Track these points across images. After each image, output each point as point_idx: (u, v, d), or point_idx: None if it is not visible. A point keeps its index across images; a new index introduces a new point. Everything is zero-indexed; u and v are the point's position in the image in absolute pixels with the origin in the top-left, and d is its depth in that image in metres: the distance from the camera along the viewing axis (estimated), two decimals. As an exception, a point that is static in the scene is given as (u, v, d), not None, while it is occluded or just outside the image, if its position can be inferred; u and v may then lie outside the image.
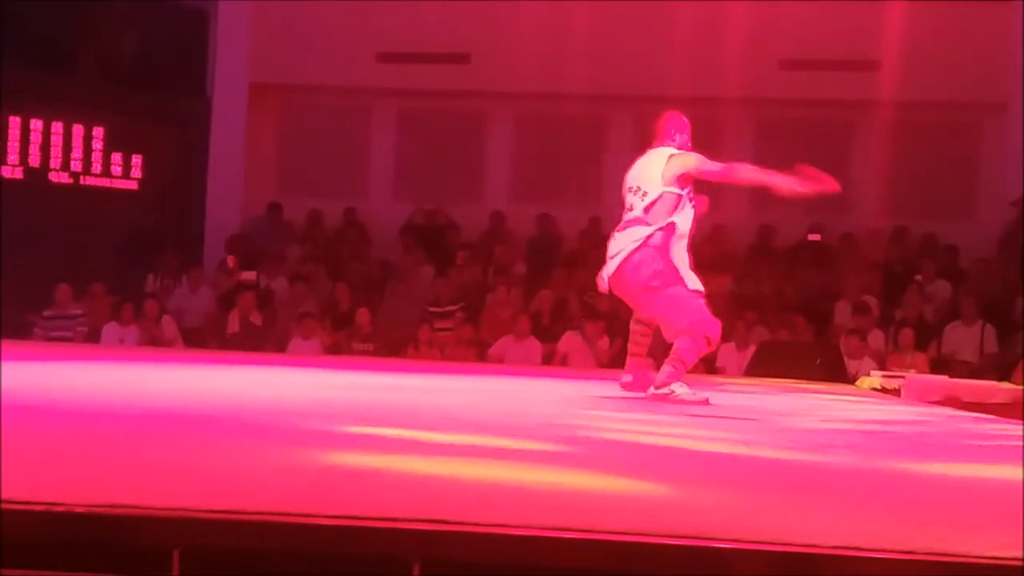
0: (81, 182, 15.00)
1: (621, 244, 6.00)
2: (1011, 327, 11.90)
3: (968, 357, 11.57)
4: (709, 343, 5.97)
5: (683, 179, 5.99)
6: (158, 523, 1.80)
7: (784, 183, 6.10)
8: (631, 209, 6.03)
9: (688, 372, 6.04)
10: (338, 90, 15.51)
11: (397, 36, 15.20)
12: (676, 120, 6.28)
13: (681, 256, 6.03)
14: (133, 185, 15.35)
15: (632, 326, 6.36)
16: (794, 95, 14.57)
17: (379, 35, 15.24)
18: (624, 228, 6.02)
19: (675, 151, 6.08)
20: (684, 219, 6.02)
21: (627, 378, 6.21)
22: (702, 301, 6.02)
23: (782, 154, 15.86)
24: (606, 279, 6.09)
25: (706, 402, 5.75)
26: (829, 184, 6.20)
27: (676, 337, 5.89)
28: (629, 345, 6.32)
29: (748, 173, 6.23)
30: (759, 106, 14.81)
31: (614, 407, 5.28)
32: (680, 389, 5.80)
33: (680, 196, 5.97)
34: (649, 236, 5.89)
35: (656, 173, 6.02)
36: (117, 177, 15.23)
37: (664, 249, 5.93)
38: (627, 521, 1.92)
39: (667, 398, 5.74)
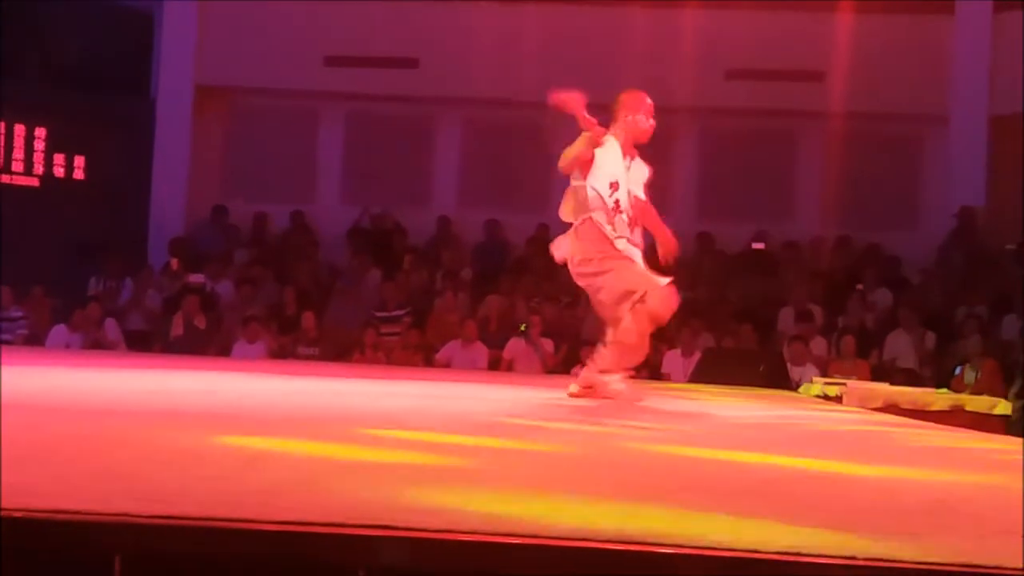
0: (22, 183, 14.81)
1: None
2: (951, 335, 12.09)
3: (909, 364, 11.73)
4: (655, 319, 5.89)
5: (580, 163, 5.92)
6: (99, 528, 1.78)
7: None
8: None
9: (630, 378, 6.06)
10: (285, 93, 15.43)
11: (345, 40, 15.16)
12: (629, 99, 6.15)
13: (622, 230, 5.96)
14: (75, 186, 15.17)
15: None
16: (740, 104, 14.71)
17: (327, 38, 15.19)
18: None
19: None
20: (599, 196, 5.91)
21: (574, 388, 6.16)
22: (640, 268, 5.94)
23: (727, 163, 16.07)
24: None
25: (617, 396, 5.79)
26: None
27: (611, 317, 5.88)
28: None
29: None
30: (705, 115, 14.93)
31: (558, 412, 5.29)
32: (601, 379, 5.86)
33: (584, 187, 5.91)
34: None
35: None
36: (59, 179, 15.05)
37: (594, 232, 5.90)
38: (573, 526, 1.93)
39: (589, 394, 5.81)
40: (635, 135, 6.10)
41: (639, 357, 6.08)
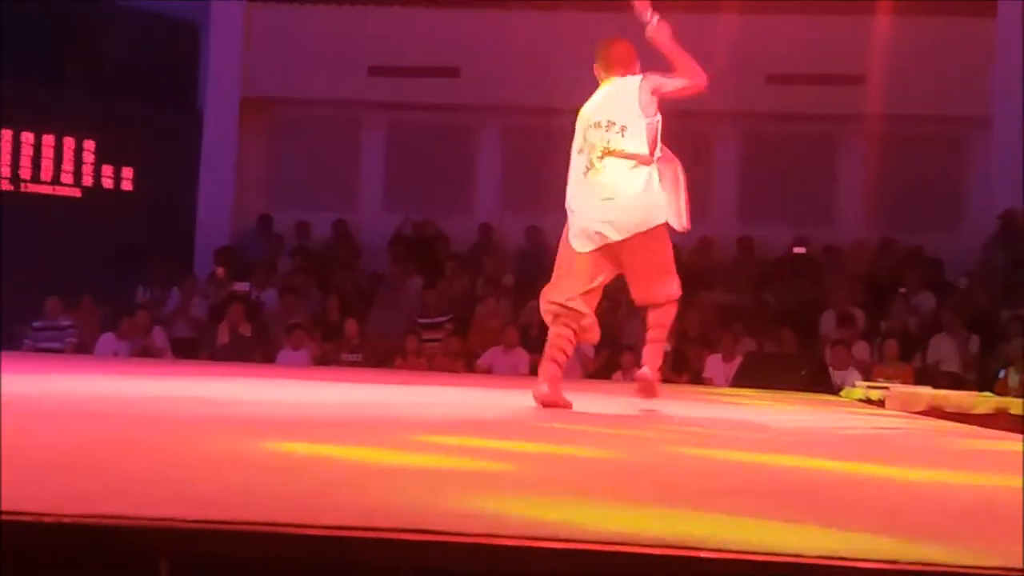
0: (71, 194, 15.02)
1: (623, 185, 5.34)
2: (995, 338, 11.97)
3: (952, 368, 11.64)
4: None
5: (655, 101, 5.46)
6: (147, 533, 1.81)
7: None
8: (607, 146, 5.40)
9: (672, 383, 6.02)
10: (329, 103, 15.55)
11: (388, 50, 15.25)
12: (624, 52, 5.74)
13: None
14: (123, 197, 15.36)
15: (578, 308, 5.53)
16: (780, 109, 14.65)
17: (370, 48, 15.29)
18: (608, 165, 5.39)
19: (642, 77, 5.52)
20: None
21: (544, 388, 5.53)
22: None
23: (768, 167, 15.98)
24: (617, 232, 5.35)
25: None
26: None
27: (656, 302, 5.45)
28: (562, 345, 5.62)
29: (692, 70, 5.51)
30: (746, 119, 14.88)
31: (597, 418, 5.30)
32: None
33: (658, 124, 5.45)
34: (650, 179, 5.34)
35: (632, 103, 5.46)
36: (108, 189, 15.25)
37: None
38: (611, 529, 1.94)
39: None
40: None
41: None
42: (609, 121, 5.42)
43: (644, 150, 5.37)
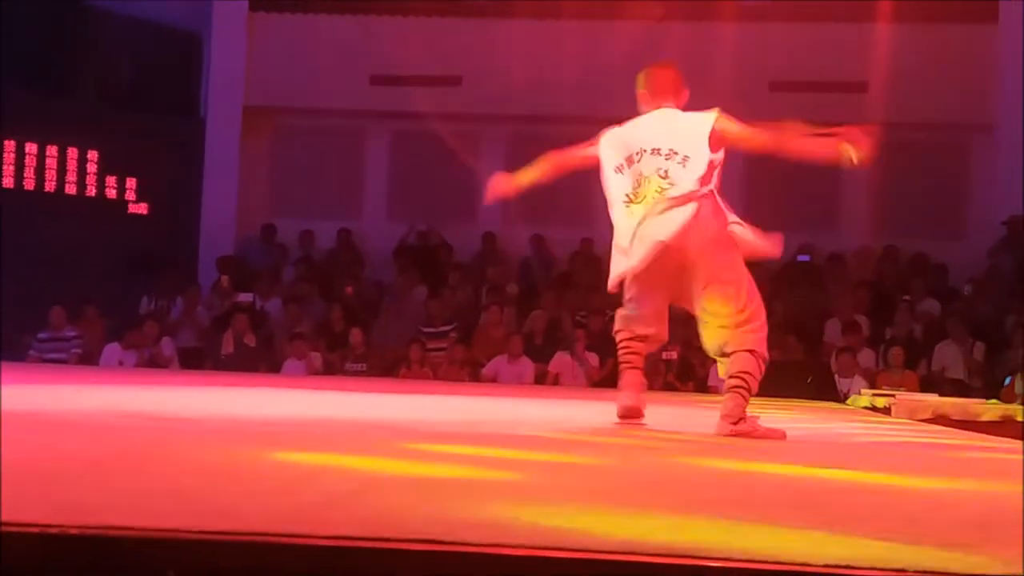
0: (75, 206, 15.04)
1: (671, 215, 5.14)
2: (1000, 345, 11.96)
3: (958, 375, 11.63)
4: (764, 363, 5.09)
5: (720, 143, 5.26)
6: (153, 544, 1.81)
7: (828, 149, 5.28)
8: (664, 177, 5.18)
9: (677, 391, 6.00)
10: (331, 112, 15.57)
11: (390, 59, 15.28)
12: (681, 77, 5.50)
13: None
14: (127, 207, 15.38)
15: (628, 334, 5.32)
16: (783, 116, 14.64)
17: (372, 58, 15.32)
18: (668, 209, 5.14)
19: (717, 112, 5.30)
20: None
21: (628, 399, 5.21)
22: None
23: (771, 175, 16.02)
24: (664, 240, 5.12)
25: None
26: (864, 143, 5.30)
27: (739, 328, 5.14)
28: (628, 356, 5.29)
29: (795, 142, 5.40)
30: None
31: (605, 426, 5.29)
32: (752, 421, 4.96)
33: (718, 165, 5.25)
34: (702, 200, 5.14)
35: (701, 134, 5.21)
36: (111, 200, 15.27)
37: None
38: (621, 539, 1.94)
39: (746, 432, 4.83)
40: None
41: None
42: (671, 150, 5.24)
43: (695, 185, 5.19)
